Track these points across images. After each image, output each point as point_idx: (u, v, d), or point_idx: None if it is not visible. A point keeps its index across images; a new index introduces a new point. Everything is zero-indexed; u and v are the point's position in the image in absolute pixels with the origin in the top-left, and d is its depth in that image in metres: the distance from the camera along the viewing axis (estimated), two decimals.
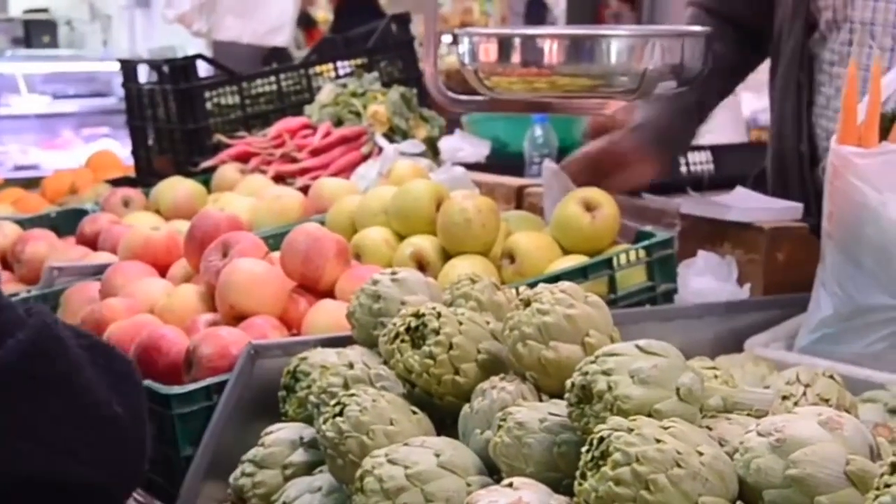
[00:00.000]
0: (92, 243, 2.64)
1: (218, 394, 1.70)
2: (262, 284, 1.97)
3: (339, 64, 3.54)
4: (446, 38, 5.05)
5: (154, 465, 1.71)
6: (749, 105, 5.30)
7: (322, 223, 2.30)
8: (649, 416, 1.18)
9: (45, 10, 10.50)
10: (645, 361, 1.23)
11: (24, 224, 2.86)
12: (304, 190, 2.71)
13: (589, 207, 2.13)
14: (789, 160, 2.46)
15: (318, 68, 3.52)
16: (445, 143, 3.09)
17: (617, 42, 2.01)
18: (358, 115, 3.18)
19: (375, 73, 3.44)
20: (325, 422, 1.39)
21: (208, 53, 5.00)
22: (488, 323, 1.49)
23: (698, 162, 4.14)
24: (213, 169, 3.05)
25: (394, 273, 1.67)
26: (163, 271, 2.25)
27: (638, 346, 1.26)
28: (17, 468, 1.20)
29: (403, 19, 3.71)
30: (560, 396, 1.29)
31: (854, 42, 2.26)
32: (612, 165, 2.41)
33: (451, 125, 3.74)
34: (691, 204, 2.35)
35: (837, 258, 1.87)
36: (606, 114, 2.29)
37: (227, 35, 6.48)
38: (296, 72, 3.49)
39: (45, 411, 1.22)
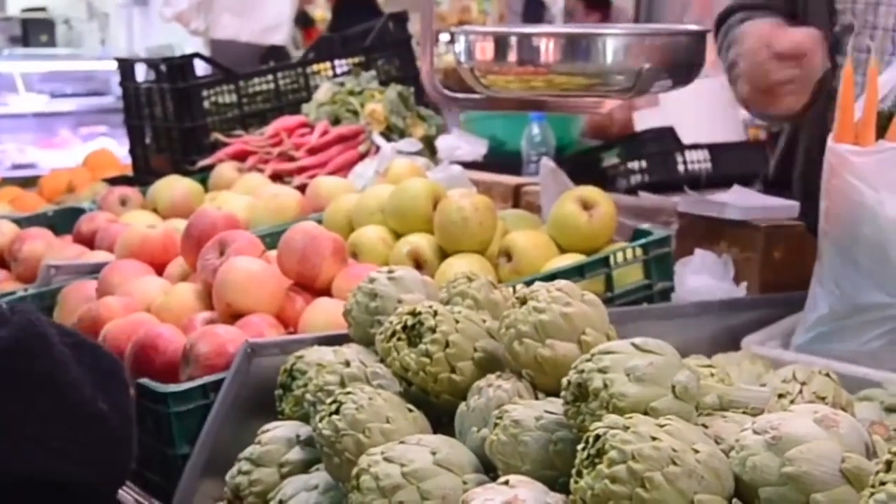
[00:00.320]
0: (89, 242, 2.64)
1: (215, 392, 1.70)
2: (258, 283, 1.97)
3: (336, 62, 3.55)
4: (444, 37, 5.06)
5: (151, 463, 1.72)
6: None
7: (319, 222, 2.31)
8: (645, 413, 1.18)
9: (42, 9, 10.49)
10: (641, 359, 1.23)
11: (22, 223, 2.86)
12: (302, 188, 2.72)
13: (586, 206, 2.13)
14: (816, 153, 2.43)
15: (315, 67, 3.52)
16: (442, 142, 3.09)
17: (613, 41, 2.01)
18: (355, 113, 3.18)
19: (373, 72, 3.44)
20: (321, 420, 1.39)
21: (206, 52, 4.99)
22: (485, 321, 1.49)
23: (695, 160, 4.12)
24: (210, 167, 3.05)
25: (390, 271, 1.67)
26: (160, 270, 2.25)
27: (634, 345, 1.26)
28: (3, 466, 1.20)
29: (401, 18, 3.71)
30: (556, 394, 1.29)
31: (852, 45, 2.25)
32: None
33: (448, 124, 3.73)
34: (688, 202, 2.36)
35: (834, 256, 1.87)
36: (602, 112, 2.29)
37: (225, 34, 6.47)
38: (293, 70, 3.50)
39: (31, 409, 1.22)
